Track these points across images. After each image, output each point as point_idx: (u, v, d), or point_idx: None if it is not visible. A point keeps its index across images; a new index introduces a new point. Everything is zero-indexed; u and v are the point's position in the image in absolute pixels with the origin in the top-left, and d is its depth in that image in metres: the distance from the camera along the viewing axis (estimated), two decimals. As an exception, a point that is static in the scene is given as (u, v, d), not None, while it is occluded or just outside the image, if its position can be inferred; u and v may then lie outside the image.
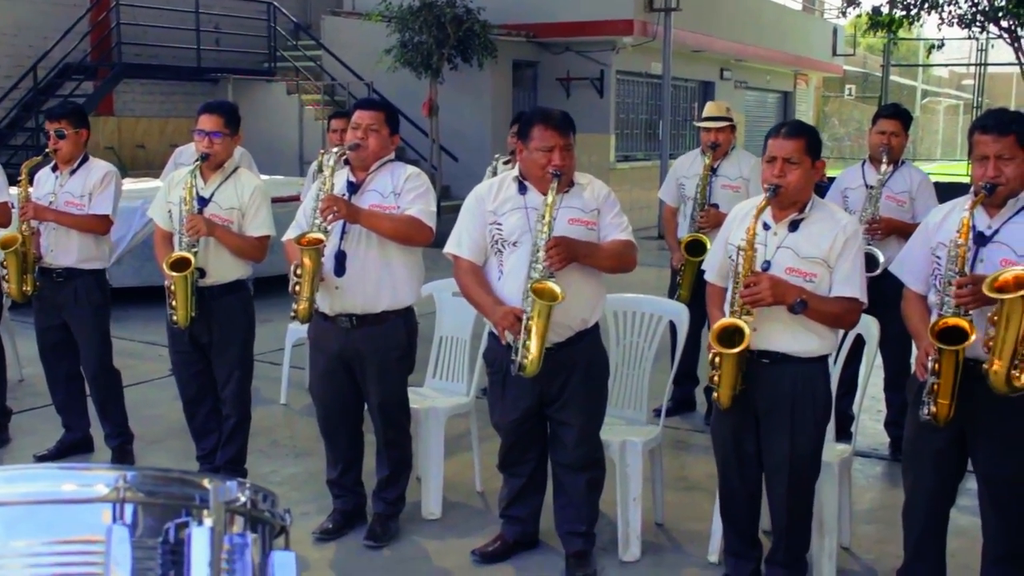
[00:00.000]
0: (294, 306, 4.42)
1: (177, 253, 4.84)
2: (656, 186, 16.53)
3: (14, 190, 5.91)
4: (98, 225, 5.48)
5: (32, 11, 15.44)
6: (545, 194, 4.06)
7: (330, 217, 4.33)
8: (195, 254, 4.82)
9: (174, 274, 4.79)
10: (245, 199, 4.94)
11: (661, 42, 16.92)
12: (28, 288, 5.46)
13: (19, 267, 5.40)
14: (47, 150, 5.45)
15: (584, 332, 4.19)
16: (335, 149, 4.65)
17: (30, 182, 5.51)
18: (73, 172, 5.49)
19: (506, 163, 6.87)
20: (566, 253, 3.94)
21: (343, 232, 4.44)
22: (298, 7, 19.27)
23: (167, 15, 16.08)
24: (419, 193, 4.47)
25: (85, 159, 5.53)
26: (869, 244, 5.59)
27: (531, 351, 3.93)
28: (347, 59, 16.39)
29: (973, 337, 3.43)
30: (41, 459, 5.69)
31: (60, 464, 1.60)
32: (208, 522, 1.40)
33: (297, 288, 4.38)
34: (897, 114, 5.89)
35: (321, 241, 4.34)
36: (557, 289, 3.88)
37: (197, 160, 4.95)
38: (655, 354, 4.85)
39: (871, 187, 5.74)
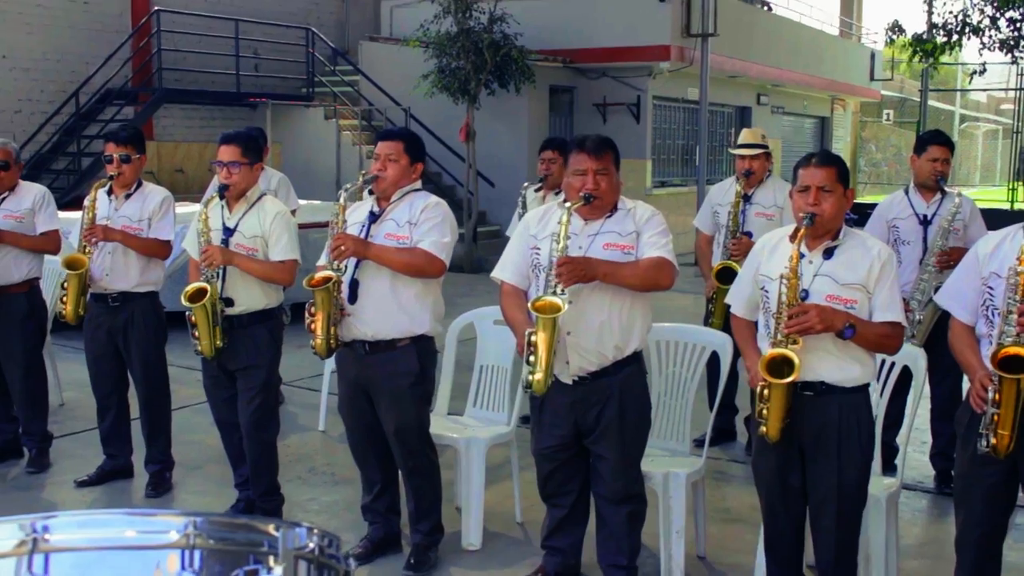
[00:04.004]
0: (311, 343, 4.53)
1: (194, 284, 4.89)
2: (693, 212, 16.52)
3: (66, 214, 5.99)
4: (161, 249, 5.58)
5: (75, 37, 15.67)
6: (585, 219, 4.06)
7: (343, 255, 4.42)
8: (213, 284, 4.87)
9: (191, 305, 4.83)
10: (267, 226, 4.98)
11: (698, 67, 16.91)
12: (82, 311, 5.52)
13: (79, 289, 5.47)
14: (111, 174, 5.51)
15: (622, 362, 4.15)
16: (349, 185, 4.67)
17: (76, 205, 5.58)
18: (128, 196, 5.57)
19: (537, 190, 6.90)
20: (576, 271, 3.91)
21: (358, 262, 4.49)
22: (336, 33, 19.43)
23: (207, 41, 16.26)
24: (433, 224, 4.47)
25: (139, 184, 5.62)
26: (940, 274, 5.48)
27: (537, 368, 3.91)
28: (385, 84, 16.50)
29: None
30: (82, 484, 5.73)
31: (128, 510, 1.57)
32: (277, 570, 1.38)
33: (312, 326, 4.47)
34: (947, 141, 5.79)
35: (331, 279, 4.40)
36: (558, 301, 3.86)
37: (216, 191, 5.01)
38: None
39: (924, 217, 5.65)
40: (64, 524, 1.45)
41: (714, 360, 4.92)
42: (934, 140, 5.78)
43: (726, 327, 5.81)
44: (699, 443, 5.03)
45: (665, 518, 4.50)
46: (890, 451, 5.08)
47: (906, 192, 5.83)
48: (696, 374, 4.83)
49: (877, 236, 5.61)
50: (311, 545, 1.52)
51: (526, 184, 7.28)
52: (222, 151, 4.97)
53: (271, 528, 1.47)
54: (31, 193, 5.90)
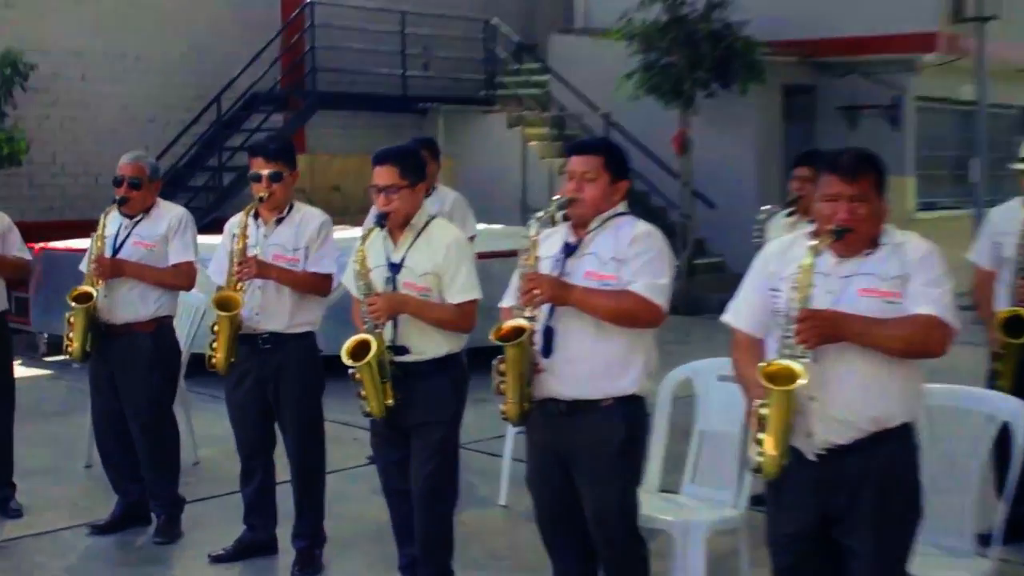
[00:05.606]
0: (501, 407, 4.52)
1: (355, 338, 4.94)
2: (968, 242, 15.91)
3: (204, 239, 6.19)
4: (321, 285, 5.71)
5: (215, 34, 16.28)
6: (838, 256, 3.95)
7: (536, 301, 4.40)
8: (378, 335, 4.91)
9: (354, 364, 4.89)
10: (440, 259, 5.02)
11: (973, 60, 16.44)
12: (234, 359, 5.65)
13: (232, 334, 5.58)
14: (259, 195, 5.63)
15: (882, 435, 4.00)
16: (541, 212, 4.65)
17: (216, 228, 5.74)
18: (279, 221, 5.72)
19: (789, 215, 6.72)
20: (820, 329, 3.80)
21: (553, 307, 4.47)
22: (521, 24, 19.69)
23: (368, 37, 16.76)
24: (646, 261, 4.43)
25: (291, 206, 5.76)
26: None
27: (766, 448, 3.82)
28: (579, 85, 16.67)
29: None
30: (217, 560, 5.91)
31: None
32: None
33: (502, 387, 4.47)
34: None
35: (523, 330, 4.39)
36: (796, 367, 3.75)
37: (375, 222, 5.09)
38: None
39: None
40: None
41: (1004, 433, 4.71)
42: None
43: (1019, 390, 5.58)
44: (985, 540, 4.82)
45: (941, 637, 4.33)
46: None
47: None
48: (979, 451, 4.65)
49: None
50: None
51: (766, 208, 7.12)
52: (376, 173, 5.06)
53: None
54: (168, 216, 6.14)
